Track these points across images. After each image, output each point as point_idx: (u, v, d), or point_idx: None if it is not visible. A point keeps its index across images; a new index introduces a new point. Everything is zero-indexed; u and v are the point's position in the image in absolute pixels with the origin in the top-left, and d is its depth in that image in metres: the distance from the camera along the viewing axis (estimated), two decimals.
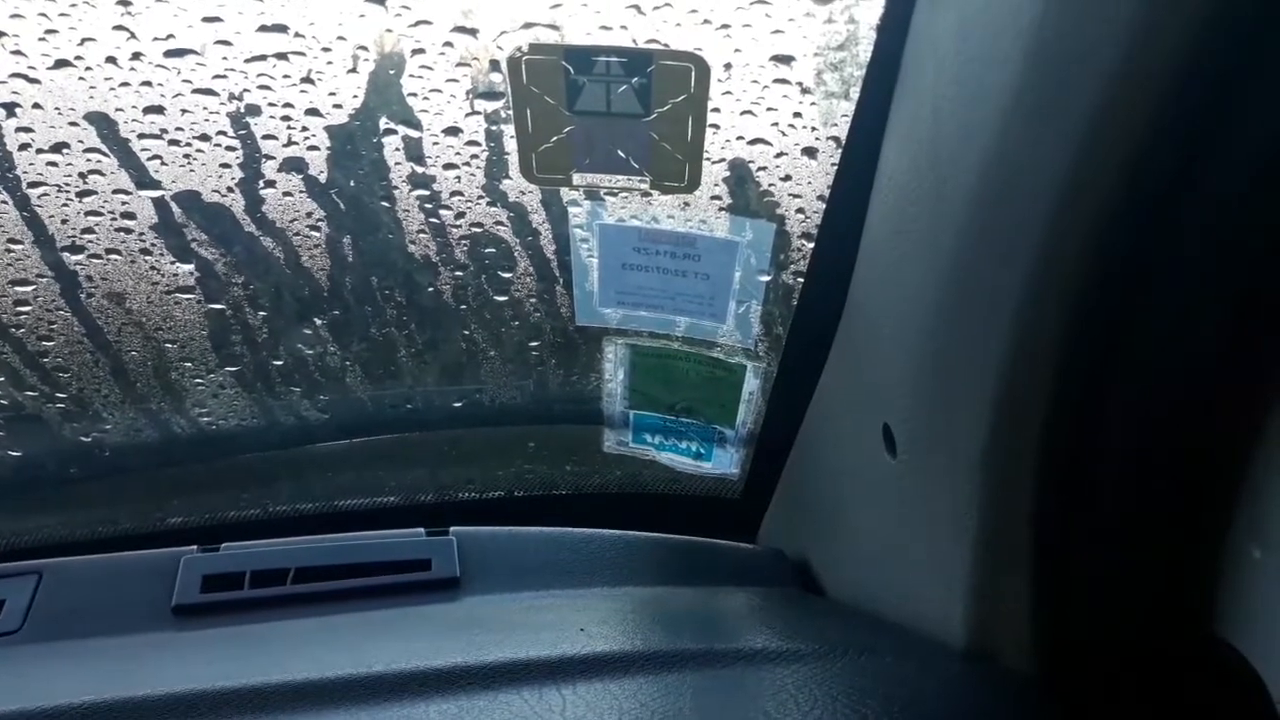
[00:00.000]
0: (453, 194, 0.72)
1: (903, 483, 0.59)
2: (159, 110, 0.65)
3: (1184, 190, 0.39)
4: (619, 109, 0.62)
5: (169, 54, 0.62)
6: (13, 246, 0.73)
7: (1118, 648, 0.53)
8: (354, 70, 0.64)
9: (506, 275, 0.79)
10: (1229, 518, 0.45)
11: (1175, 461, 0.46)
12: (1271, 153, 0.38)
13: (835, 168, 0.62)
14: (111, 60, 0.62)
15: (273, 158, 0.69)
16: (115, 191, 0.70)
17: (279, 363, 0.86)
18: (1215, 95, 0.37)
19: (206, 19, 0.60)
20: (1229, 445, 0.44)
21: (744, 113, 0.64)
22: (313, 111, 0.66)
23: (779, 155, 0.67)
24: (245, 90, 0.65)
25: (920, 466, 0.57)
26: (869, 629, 0.64)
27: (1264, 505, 0.42)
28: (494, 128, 0.67)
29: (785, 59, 0.61)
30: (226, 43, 0.62)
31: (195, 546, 0.76)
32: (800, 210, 0.70)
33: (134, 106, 0.65)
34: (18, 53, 0.61)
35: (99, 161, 0.68)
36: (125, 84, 0.64)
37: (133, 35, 0.61)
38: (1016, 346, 0.45)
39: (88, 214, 0.71)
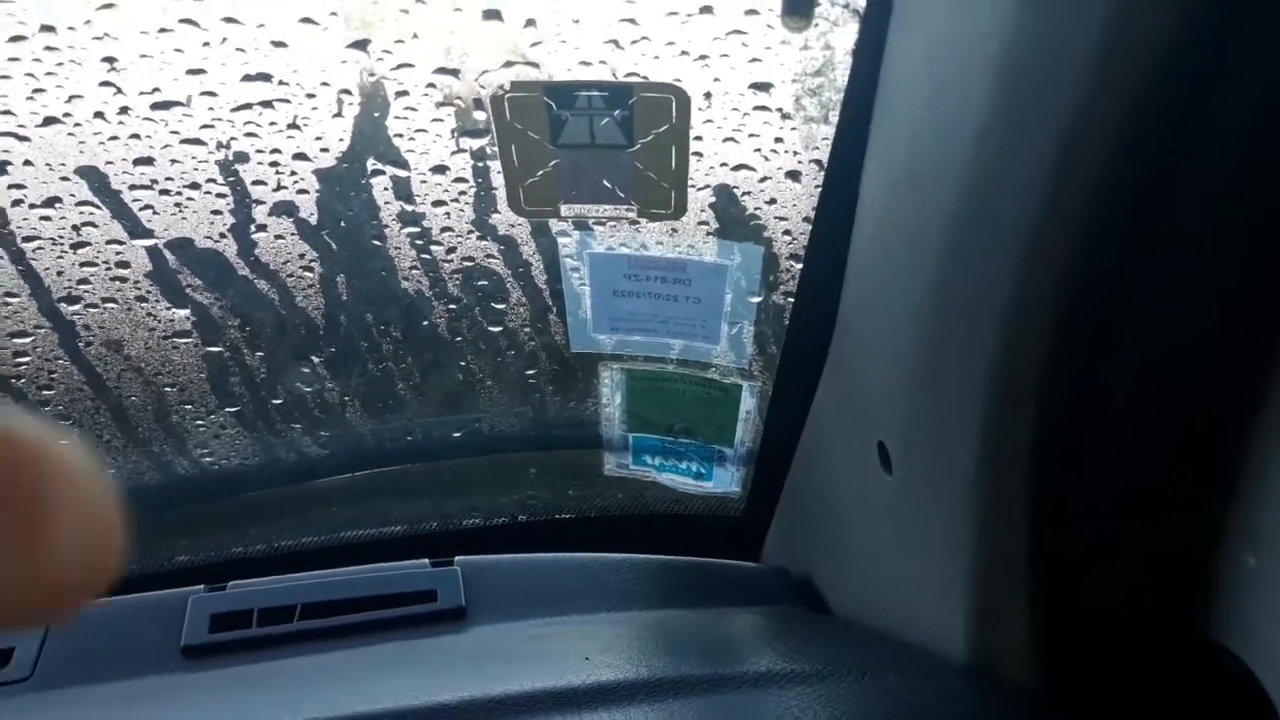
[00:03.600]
0: (443, 230, 0.73)
1: (898, 499, 0.59)
2: (149, 161, 0.66)
3: (1159, 203, 0.40)
4: (603, 141, 0.63)
5: (155, 106, 0.63)
6: (9, 300, 0.73)
7: (1118, 658, 0.53)
8: (339, 114, 0.65)
9: (500, 306, 0.80)
10: (1223, 526, 0.45)
11: (1167, 472, 0.47)
12: (1245, 163, 0.38)
13: (819, 190, 0.63)
14: (100, 115, 0.63)
15: (263, 203, 0.70)
16: (109, 242, 0.71)
17: (278, 401, 0.87)
18: (1185, 109, 0.38)
19: (191, 71, 0.61)
20: (1220, 454, 0.44)
21: (726, 140, 0.65)
22: (300, 156, 0.67)
23: (763, 180, 0.67)
24: (233, 138, 0.66)
25: (915, 483, 0.57)
26: (872, 647, 0.64)
27: (1257, 513, 0.43)
28: (480, 164, 0.68)
29: (764, 86, 0.62)
30: (212, 93, 0.62)
31: (202, 586, 0.76)
32: (787, 232, 0.70)
33: (124, 159, 0.66)
34: (7, 112, 0.62)
35: (92, 214, 0.69)
36: (114, 138, 0.64)
37: (119, 90, 0.62)
38: (1001, 363, 0.46)
39: (83, 265, 0.72)
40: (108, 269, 0.73)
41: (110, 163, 0.66)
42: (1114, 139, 0.38)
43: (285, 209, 0.71)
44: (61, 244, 0.70)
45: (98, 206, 0.68)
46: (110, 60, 0.60)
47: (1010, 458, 0.48)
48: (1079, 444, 0.47)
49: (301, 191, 0.69)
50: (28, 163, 0.65)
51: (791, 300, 0.72)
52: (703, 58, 0.60)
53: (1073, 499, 0.49)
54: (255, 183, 0.68)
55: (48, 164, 0.66)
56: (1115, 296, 0.43)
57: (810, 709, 0.54)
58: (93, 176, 0.67)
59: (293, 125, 0.65)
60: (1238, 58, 0.36)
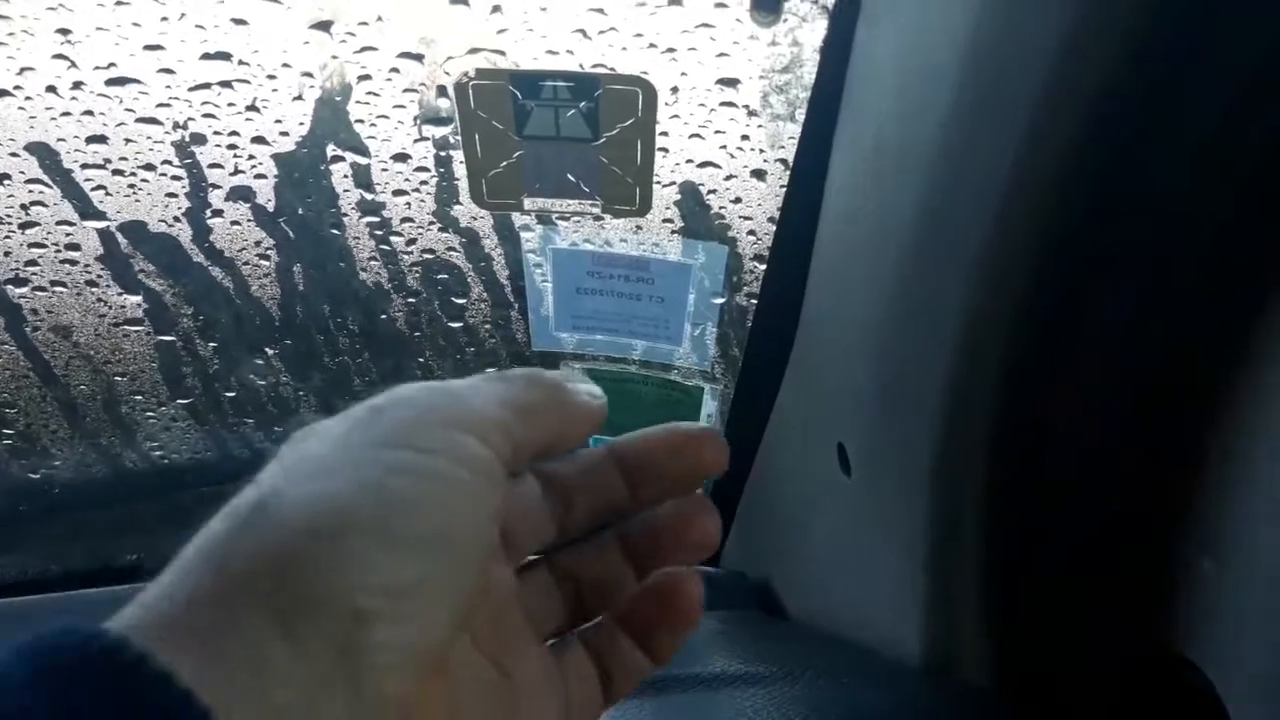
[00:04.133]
0: (403, 220, 0.72)
1: (857, 502, 0.59)
2: (102, 140, 0.64)
3: (1124, 197, 0.40)
4: (568, 133, 0.62)
5: (110, 82, 0.61)
6: None
7: (1076, 663, 0.53)
8: (300, 97, 0.64)
9: (460, 301, 0.79)
10: (1181, 533, 0.45)
11: (1124, 475, 0.46)
12: (1209, 155, 0.38)
13: (784, 189, 0.62)
14: (52, 89, 0.61)
15: (219, 187, 0.69)
16: (59, 223, 0.69)
17: (232, 394, 0.85)
18: (1148, 107, 0.38)
19: (148, 46, 0.60)
20: (1177, 461, 0.44)
21: (693, 136, 0.64)
22: (259, 139, 0.66)
23: (728, 178, 0.67)
24: (190, 119, 0.64)
25: (874, 485, 0.57)
26: (828, 650, 0.63)
27: (1214, 520, 0.43)
28: (443, 153, 0.67)
29: (731, 82, 0.61)
30: (169, 71, 0.61)
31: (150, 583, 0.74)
32: (752, 232, 0.70)
33: (76, 136, 0.64)
34: None
35: (41, 192, 0.67)
36: (66, 113, 0.63)
37: (73, 64, 0.60)
38: (961, 364, 0.45)
39: (31, 246, 0.70)
40: (57, 251, 0.71)
41: (62, 140, 0.64)
42: (1076, 136, 0.38)
43: (242, 194, 0.69)
44: (9, 223, 0.69)
45: (48, 185, 0.67)
46: (64, 32, 0.58)
47: (967, 461, 0.48)
48: (1036, 449, 0.47)
49: (259, 176, 0.68)
50: None
51: (754, 302, 0.72)
52: (670, 51, 0.59)
53: (1029, 504, 0.49)
54: (212, 166, 0.67)
55: None
56: (1075, 299, 0.43)
57: (764, 710, 0.53)
58: (43, 153, 0.65)
59: (252, 107, 0.64)
60: (1203, 58, 0.36)
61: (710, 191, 0.68)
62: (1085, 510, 0.48)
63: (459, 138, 0.62)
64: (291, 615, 0.21)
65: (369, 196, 0.70)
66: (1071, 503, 0.48)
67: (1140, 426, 0.45)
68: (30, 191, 0.67)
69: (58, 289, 0.74)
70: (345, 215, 0.72)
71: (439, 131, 0.66)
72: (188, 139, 0.65)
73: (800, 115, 0.58)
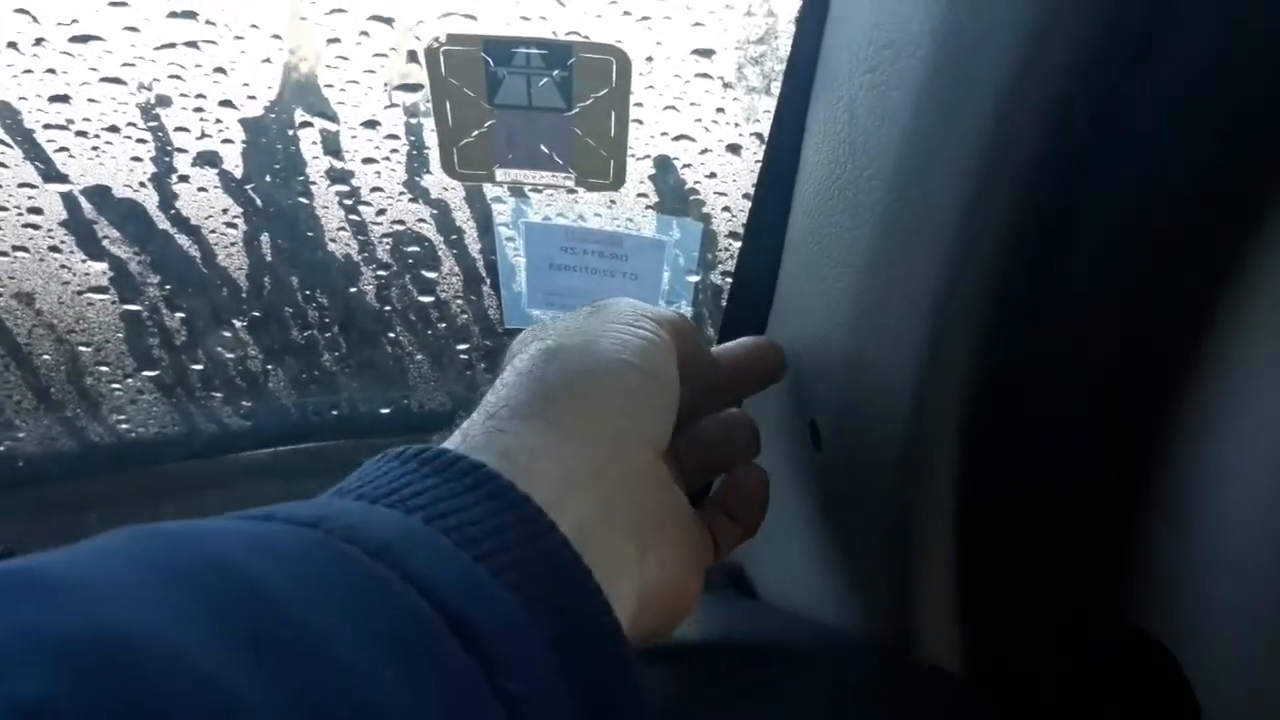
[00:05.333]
0: (373, 190, 0.71)
1: (828, 481, 0.58)
2: (65, 99, 0.63)
3: (1099, 168, 0.39)
4: (540, 103, 0.61)
5: (74, 40, 0.60)
6: None
7: (1043, 641, 0.53)
8: (268, 60, 0.63)
9: (431, 275, 0.78)
10: (1148, 509, 0.45)
11: (1091, 448, 0.46)
12: (1186, 121, 0.38)
13: (759, 164, 0.62)
14: (13, 46, 0.60)
15: (185, 151, 0.67)
16: (20, 185, 0.68)
17: (198, 367, 0.84)
18: (1127, 69, 0.37)
19: (113, 3, 0.58)
20: (1145, 439, 0.44)
21: (667, 108, 0.63)
22: (226, 103, 0.65)
23: (703, 152, 0.66)
24: (155, 79, 0.63)
25: (844, 463, 0.56)
26: (796, 629, 0.63)
27: (1180, 498, 0.42)
28: (413, 121, 0.66)
29: (706, 53, 0.60)
30: (134, 29, 0.60)
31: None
32: (726, 209, 0.69)
33: (38, 95, 0.63)
34: None
35: (2, 153, 0.66)
36: (28, 71, 0.61)
37: (35, 19, 0.59)
38: (932, 339, 0.45)
39: None
40: (19, 214, 0.69)
41: (23, 99, 0.63)
42: (1050, 108, 0.38)
43: (209, 159, 0.68)
44: None
45: (9, 146, 0.65)
46: None
47: (936, 438, 0.48)
48: (1006, 425, 0.47)
49: (226, 141, 0.67)
50: None
51: (729, 280, 0.71)
52: (645, 19, 0.58)
53: (997, 482, 0.48)
54: (178, 129, 0.66)
55: None
56: (1046, 274, 0.42)
57: (731, 687, 0.53)
58: (4, 112, 0.63)
59: (219, 69, 0.62)
60: (1186, 20, 0.36)
61: (685, 165, 0.67)
62: (1051, 489, 0.47)
63: (429, 105, 0.61)
64: (585, 414, 0.33)
65: (338, 164, 0.69)
66: (1039, 482, 0.48)
67: (1107, 399, 0.44)
68: None
69: (19, 254, 0.72)
70: (314, 183, 0.71)
71: (410, 99, 0.65)
72: (153, 100, 0.64)
73: (776, 88, 0.58)
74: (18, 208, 0.69)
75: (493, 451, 0.30)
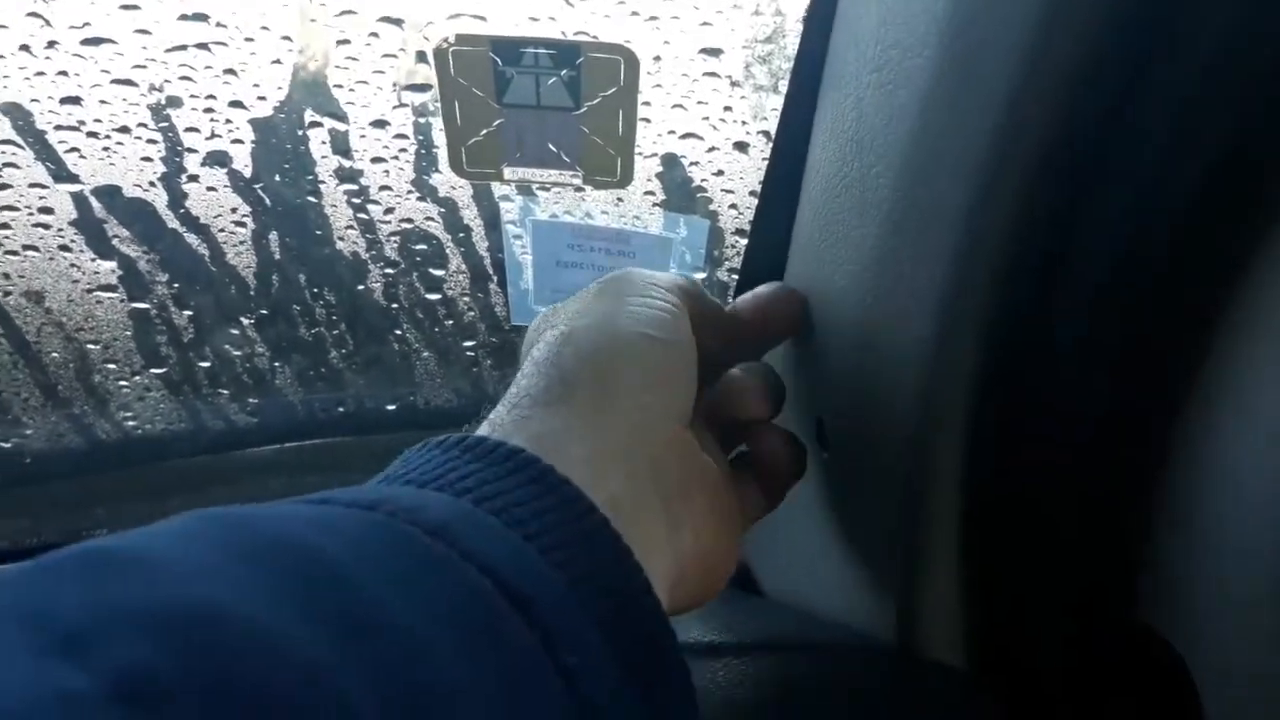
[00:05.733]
0: (381, 189, 0.71)
1: (834, 478, 0.59)
2: (76, 101, 0.63)
3: (1107, 166, 0.40)
4: (549, 102, 0.61)
5: (86, 42, 0.60)
6: None
7: (1047, 639, 0.53)
8: (278, 61, 0.63)
9: (439, 273, 0.78)
10: (1153, 507, 0.45)
11: (1095, 449, 0.47)
12: (1192, 121, 0.38)
13: (766, 162, 0.62)
14: (25, 49, 0.60)
15: (195, 151, 0.68)
16: (31, 185, 0.68)
17: (206, 364, 0.84)
18: (1134, 68, 0.37)
19: (124, 6, 0.59)
20: (1147, 430, 0.44)
21: (675, 106, 0.64)
22: (236, 104, 0.65)
23: (710, 150, 0.67)
24: (166, 81, 0.63)
25: (851, 461, 0.57)
26: (801, 625, 0.64)
27: (1185, 495, 0.43)
28: (422, 120, 0.67)
29: (714, 52, 0.61)
30: (145, 31, 0.60)
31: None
32: (733, 206, 0.70)
33: (50, 97, 0.63)
34: None
35: (14, 154, 0.66)
36: (40, 73, 0.62)
37: (47, 23, 0.59)
38: (937, 338, 0.45)
39: (3, 209, 0.69)
40: (29, 214, 0.70)
41: (35, 100, 0.63)
42: (1058, 105, 0.38)
43: (218, 159, 0.68)
44: None
45: (20, 147, 0.66)
46: None
47: (943, 437, 0.48)
48: (1012, 423, 0.47)
49: (236, 141, 0.67)
50: None
51: (736, 277, 0.71)
52: (653, 19, 0.59)
53: (1002, 480, 0.49)
54: (188, 129, 0.66)
55: None
56: (1054, 272, 0.43)
57: (735, 681, 0.53)
58: (16, 114, 0.64)
59: (229, 70, 0.63)
60: (1189, 18, 0.36)
61: (692, 163, 0.68)
62: (1058, 483, 0.48)
63: (438, 104, 0.62)
64: (606, 392, 0.33)
65: (347, 163, 0.69)
66: (1042, 481, 0.48)
67: (1112, 398, 0.45)
68: (2, 153, 0.66)
69: (30, 253, 0.73)
70: (323, 182, 0.71)
71: (418, 98, 0.65)
72: (164, 102, 0.64)
73: (783, 87, 0.58)
74: (29, 208, 0.69)
75: (523, 437, 0.30)
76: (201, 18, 0.60)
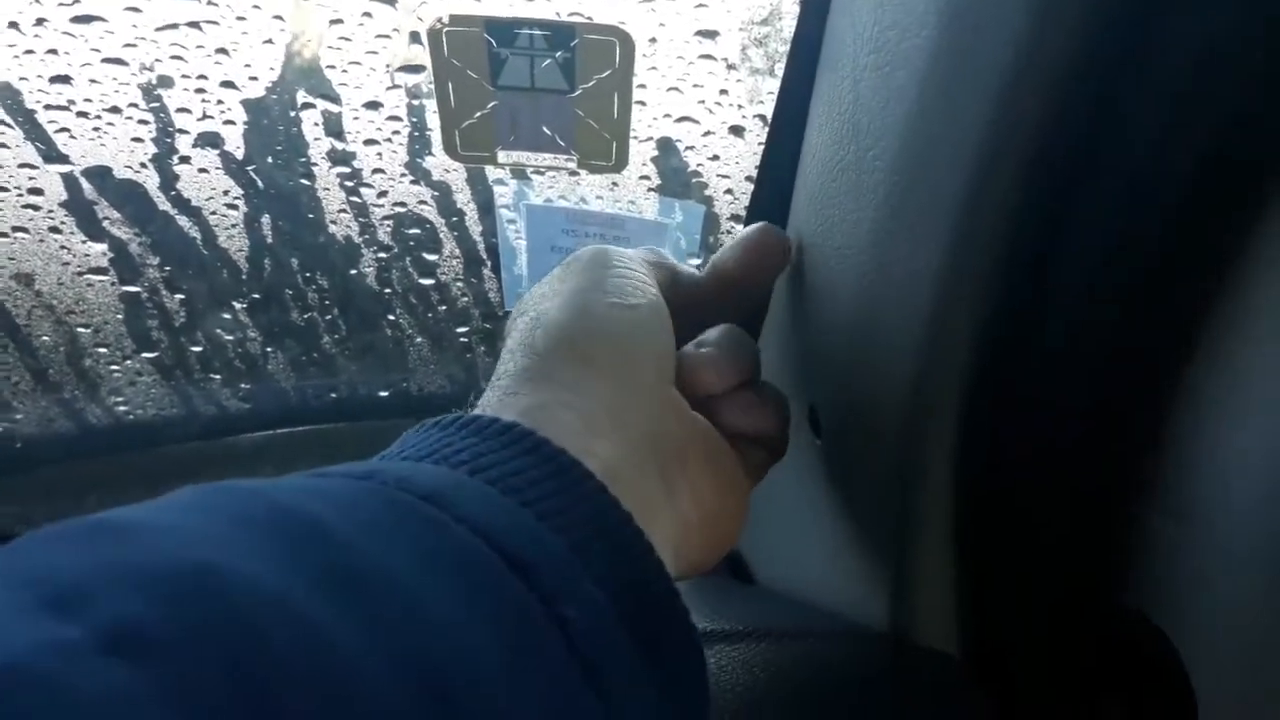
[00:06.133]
0: (374, 171, 0.71)
1: (827, 466, 0.59)
2: (66, 80, 0.63)
3: (1104, 150, 0.39)
4: (543, 84, 0.61)
5: (76, 20, 0.60)
6: None
7: (1040, 628, 0.53)
8: (270, 41, 0.62)
9: (432, 258, 0.78)
10: (1145, 494, 0.45)
11: (1089, 438, 0.46)
12: (1186, 111, 0.38)
13: (762, 147, 0.62)
14: (14, 26, 0.60)
15: (186, 132, 0.67)
16: (21, 165, 0.67)
17: (198, 349, 0.84)
18: (1130, 55, 0.37)
19: None
20: (1140, 420, 0.44)
21: (670, 89, 0.63)
22: (228, 84, 0.64)
23: (706, 134, 0.66)
24: (157, 60, 0.62)
25: (843, 449, 0.56)
26: (794, 613, 0.63)
27: (1177, 482, 0.43)
28: (415, 102, 0.66)
29: (710, 34, 0.60)
30: (136, 9, 0.59)
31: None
32: (729, 191, 0.69)
33: (39, 75, 0.62)
34: None
35: (3, 134, 0.65)
36: (30, 52, 0.61)
37: (36, 0, 0.59)
38: (932, 324, 0.45)
39: None
40: (19, 195, 0.69)
41: (24, 79, 0.63)
42: (1054, 88, 0.38)
43: (210, 140, 0.68)
44: None
45: (10, 126, 0.65)
46: None
47: (936, 425, 0.48)
48: (1006, 411, 0.47)
49: (228, 122, 0.67)
50: None
51: None
52: (648, 0, 0.58)
53: (995, 469, 0.48)
54: (179, 110, 0.65)
55: None
56: (1048, 260, 0.42)
57: (728, 668, 0.53)
58: (5, 93, 0.63)
59: (221, 50, 0.62)
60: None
61: (688, 148, 0.67)
62: (1051, 473, 0.48)
63: (432, 86, 0.61)
64: (585, 365, 0.33)
65: (339, 145, 0.69)
66: (1035, 470, 0.48)
67: (1106, 387, 0.45)
68: None
69: (19, 235, 0.72)
70: (315, 165, 0.70)
71: (412, 80, 0.64)
72: (154, 81, 0.64)
73: (779, 69, 0.58)
74: (18, 188, 0.69)
75: (513, 413, 0.30)
76: None
